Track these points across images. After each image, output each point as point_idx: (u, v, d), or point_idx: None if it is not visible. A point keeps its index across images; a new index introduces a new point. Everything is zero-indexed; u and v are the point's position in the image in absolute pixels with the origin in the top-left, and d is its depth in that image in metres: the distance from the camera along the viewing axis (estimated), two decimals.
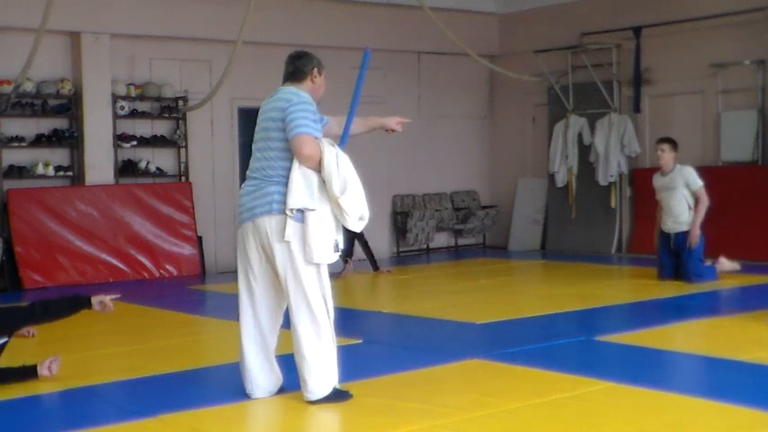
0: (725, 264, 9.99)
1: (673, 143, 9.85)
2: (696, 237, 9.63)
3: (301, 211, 5.07)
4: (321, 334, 5.12)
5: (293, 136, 5.09)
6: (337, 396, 5.17)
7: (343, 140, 5.40)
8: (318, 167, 5.09)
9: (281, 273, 5.13)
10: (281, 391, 5.34)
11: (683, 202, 9.69)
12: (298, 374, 5.18)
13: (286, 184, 5.10)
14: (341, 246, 5.22)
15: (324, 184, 5.09)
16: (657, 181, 9.92)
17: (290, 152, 5.13)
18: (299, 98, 5.20)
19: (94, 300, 5.86)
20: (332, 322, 5.19)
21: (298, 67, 5.37)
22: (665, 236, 9.83)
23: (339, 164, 5.11)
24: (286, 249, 5.10)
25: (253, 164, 5.29)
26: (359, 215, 5.17)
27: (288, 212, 5.06)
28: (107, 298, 5.88)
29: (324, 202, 5.10)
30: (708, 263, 9.91)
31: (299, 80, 5.35)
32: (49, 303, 5.89)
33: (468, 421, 4.79)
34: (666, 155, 9.76)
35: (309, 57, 5.40)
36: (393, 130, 5.77)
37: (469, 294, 9.65)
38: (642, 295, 9.11)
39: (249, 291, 5.29)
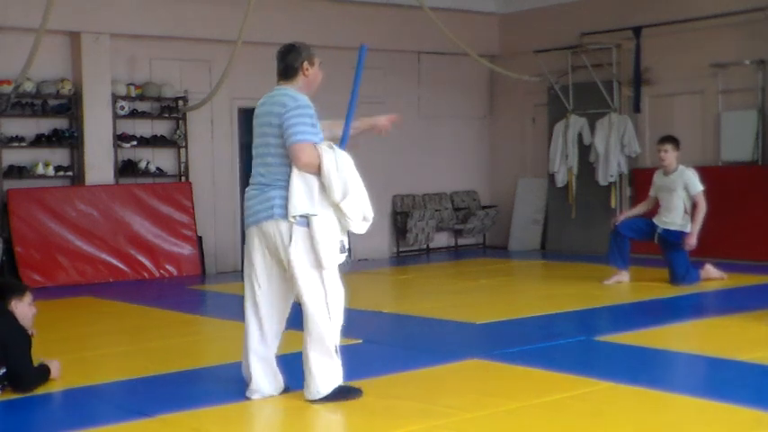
0: (711, 271, 9.72)
1: (675, 142, 9.58)
2: (693, 242, 9.35)
3: (305, 216, 5.04)
4: (323, 336, 5.08)
5: (291, 144, 5.03)
6: (340, 395, 5.15)
7: (343, 142, 5.31)
8: (318, 172, 5.04)
9: (290, 275, 5.12)
10: (286, 391, 5.33)
11: (680, 205, 9.48)
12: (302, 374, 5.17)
13: (287, 189, 5.06)
14: (347, 246, 5.19)
15: (324, 187, 5.04)
16: (659, 180, 9.69)
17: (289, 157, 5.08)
18: (296, 102, 5.11)
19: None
20: (336, 324, 5.14)
21: (288, 65, 5.26)
22: (649, 223, 9.64)
23: (339, 167, 5.04)
24: (292, 254, 5.05)
25: (254, 168, 5.27)
26: (362, 216, 5.13)
27: (291, 219, 5.04)
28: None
29: (326, 205, 5.06)
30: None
31: (291, 78, 5.26)
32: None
33: (468, 421, 4.79)
34: (670, 155, 9.49)
35: (298, 50, 5.28)
36: (384, 132, 5.71)
37: (469, 294, 9.64)
38: (642, 295, 9.10)
39: (253, 295, 5.25)
